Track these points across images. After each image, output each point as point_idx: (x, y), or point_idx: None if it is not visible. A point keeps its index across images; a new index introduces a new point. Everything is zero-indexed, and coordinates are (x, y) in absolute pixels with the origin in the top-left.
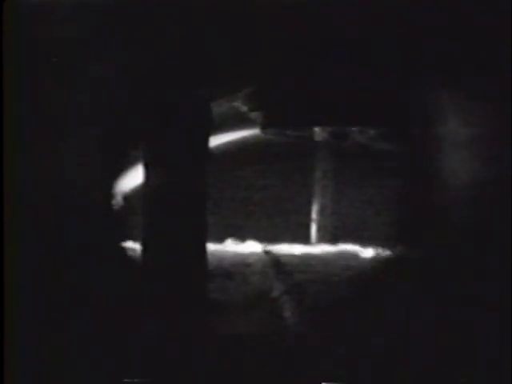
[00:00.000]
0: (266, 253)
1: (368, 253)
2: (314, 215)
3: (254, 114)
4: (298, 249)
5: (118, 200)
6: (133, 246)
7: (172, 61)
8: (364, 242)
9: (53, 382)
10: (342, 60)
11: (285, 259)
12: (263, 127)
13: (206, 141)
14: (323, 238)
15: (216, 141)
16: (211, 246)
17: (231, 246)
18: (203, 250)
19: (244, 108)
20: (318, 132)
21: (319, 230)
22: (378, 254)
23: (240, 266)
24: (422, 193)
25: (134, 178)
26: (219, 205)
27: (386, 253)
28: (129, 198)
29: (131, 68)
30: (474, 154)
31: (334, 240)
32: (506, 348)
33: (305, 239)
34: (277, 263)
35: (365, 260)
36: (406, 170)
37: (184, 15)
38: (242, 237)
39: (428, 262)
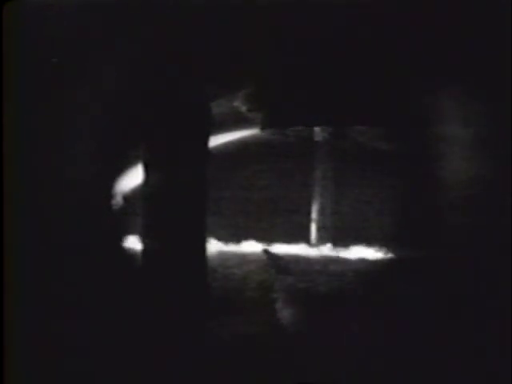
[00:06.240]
0: (266, 253)
1: (368, 253)
2: (314, 215)
3: (253, 114)
4: (297, 249)
5: (117, 200)
6: (133, 245)
7: (172, 61)
8: (364, 241)
9: (53, 382)
10: (342, 60)
11: (285, 259)
12: (263, 127)
13: (206, 141)
14: (323, 237)
15: (216, 141)
16: (211, 246)
17: (231, 246)
18: (203, 249)
19: (244, 108)
20: (318, 132)
21: (319, 229)
22: (378, 254)
23: (240, 266)
24: (422, 193)
25: (134, 178)
26: (219, 205)
27: (386, 252)
28: (129, 197)
29: (131, 68)
30: (474, 153)
31: (333, 240)
32: (506, 348)
33: (305, 239)
34: (277, 263)
35: (365, 260)
36: (405, 170)
37: (184, 15)
38: (241, 237)
39: (428, 262)
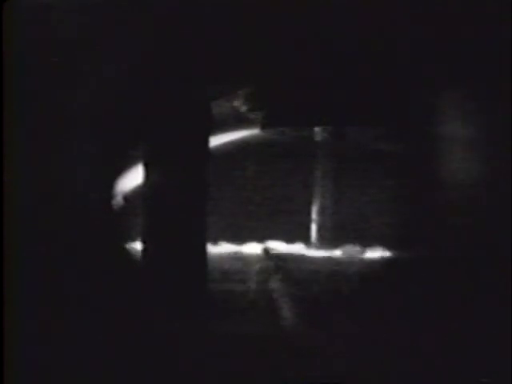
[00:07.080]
0: (266, 253)
1: (368, 253)
2: (314, 215)
3: (253, 114)
4: (298, 249)
5: (118, 200)
6: (133, 246)
7: (172, 61)
8: (364, 242)
9: (53, 382)
10: (342, 60)
11: (285, 259)
12: (263, 127)
13: (206, 141)
14: (323, 238)
15: (216, 141)
16: (211, 246)
17: (231, 246)
18: (203, 250)
19: (244, 108)
20: (318, 132)
21: (319, 230)
22: (378, 254)
23: (240, 266)
24: (422, 193)
25: (133, 178)
26: (219, 205)
27: (386, 253)
28: (129, 197)
29: (131, 68)
30: (474, 153)
31: (334, 240)
32: (506, 348)
33: (305, 239)
34: (277, 263)
35: (365, 260)
36: (406, 170)
37: (184, 15)
38: (242, 237)
39: (428, 262)
